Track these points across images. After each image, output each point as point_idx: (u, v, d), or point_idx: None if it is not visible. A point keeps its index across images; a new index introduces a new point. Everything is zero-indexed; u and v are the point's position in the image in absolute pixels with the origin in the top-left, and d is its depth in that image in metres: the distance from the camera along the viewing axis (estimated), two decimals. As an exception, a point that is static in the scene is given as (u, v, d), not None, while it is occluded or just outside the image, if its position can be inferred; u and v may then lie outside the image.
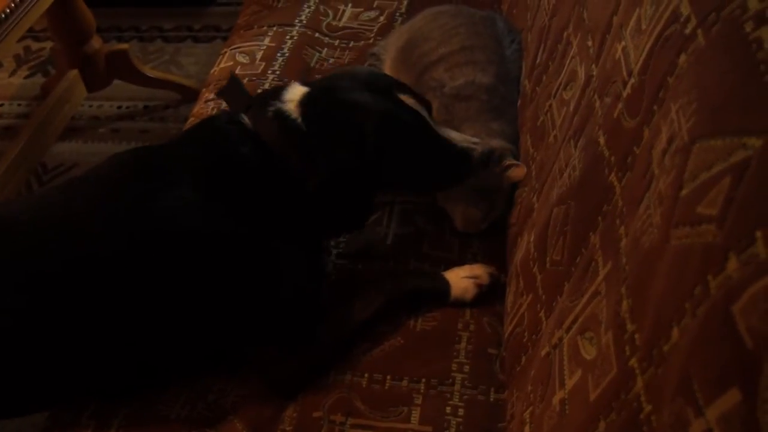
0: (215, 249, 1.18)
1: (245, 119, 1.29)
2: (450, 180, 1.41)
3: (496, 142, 1.45)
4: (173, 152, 1.29)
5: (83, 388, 1.24)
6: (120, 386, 1.25)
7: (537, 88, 1.43)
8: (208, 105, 1.79)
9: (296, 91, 1.31)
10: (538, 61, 1.47)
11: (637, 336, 0.75)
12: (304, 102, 1.29)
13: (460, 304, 1.33)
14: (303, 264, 1.28)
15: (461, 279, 1.34)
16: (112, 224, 1.16)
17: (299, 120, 1.26)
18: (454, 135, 1.37)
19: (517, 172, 1.40)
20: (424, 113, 1.34)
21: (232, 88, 1.41)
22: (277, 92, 1.32)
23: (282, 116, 1.27)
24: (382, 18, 2.06)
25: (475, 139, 1.39)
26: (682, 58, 0.79)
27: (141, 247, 1.15)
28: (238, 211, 1.21)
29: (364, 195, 1.34)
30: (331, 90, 1.32)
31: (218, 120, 1.35)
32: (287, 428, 1.18)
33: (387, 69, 1.76)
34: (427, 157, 1.33)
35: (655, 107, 0.83)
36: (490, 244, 1.45)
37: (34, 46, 3.25)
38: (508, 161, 1.41)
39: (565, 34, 1.30)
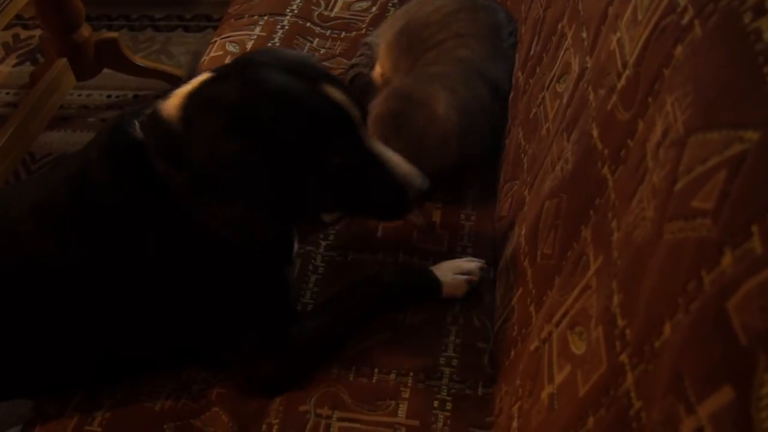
0: (170, 249, 1.15)
1: (136, 129, 1.13)
2: (382, 210, 1.21)
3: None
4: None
5: (60, 376, 1.23)
6: (98, 376, 1.24)
7: (530, 80, 1.42)
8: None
9: (193, 82, 1.13)
10: (531, 52, 1.46)
11: (627, 331, 0.74)
12: (195, 92, 1.10)
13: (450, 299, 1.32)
14: (260, 265, 1.22)
15: (452, 277, 1.32)
16: (72, 225, 1.15)
17: (175, 120, 1.08)
18: (394, 157, 1.15)
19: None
20: (355, 116, 1.10)
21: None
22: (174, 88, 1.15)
23: (156, 121, 1.10)
24: (374, 8, 2.04)
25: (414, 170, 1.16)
26: (679, 49, 0.77)
27: (104, 246, 1.14)
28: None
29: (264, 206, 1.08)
30: (237, 70, 1.11)
31: (113, 136, 1.17)
32: (273, 421, 1.17)
33: (381, 54, 1.74)
34: (350, 170, 1.11)
35: (650, 99, 0.82)
36: (479, 237, 1.44)
37: (23, 34, 3.22)
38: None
39: (559, 26, 1.29)
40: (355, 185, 1.13)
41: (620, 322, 0.76)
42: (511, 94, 1.56)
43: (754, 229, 0.57)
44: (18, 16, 3.04)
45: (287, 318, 1.25)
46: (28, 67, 3.02)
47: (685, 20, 0.77)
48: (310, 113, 1.06)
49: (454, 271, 1.33)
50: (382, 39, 1.77)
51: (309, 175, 1.08)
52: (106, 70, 2.74)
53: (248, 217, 1.07)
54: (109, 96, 2.88)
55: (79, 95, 2.88)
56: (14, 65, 3.06)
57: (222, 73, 1.12)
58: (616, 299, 0.79)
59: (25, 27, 3.24)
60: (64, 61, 2.53)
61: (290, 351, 1.23)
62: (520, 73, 1.53)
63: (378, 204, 1.18)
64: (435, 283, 1.32)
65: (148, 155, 1.10)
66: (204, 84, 1.11)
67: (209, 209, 1.07)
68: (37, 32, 3.13)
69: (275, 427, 1.16)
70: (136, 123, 1.13)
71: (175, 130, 1.07)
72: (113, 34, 2.71)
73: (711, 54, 0.71)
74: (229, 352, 1.23)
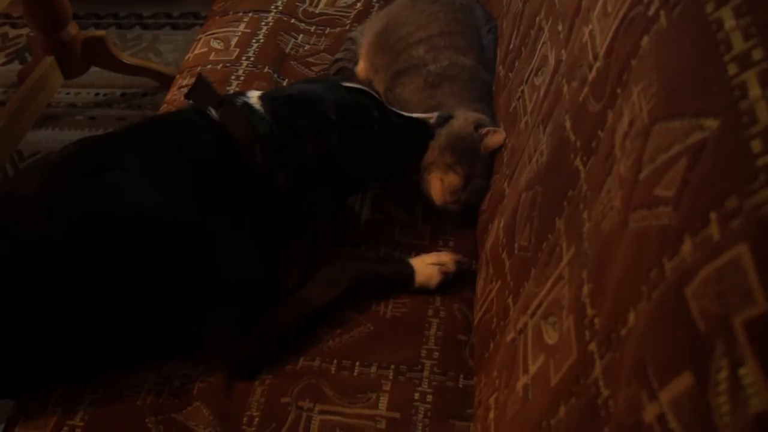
0: (152, 230, 1.17)
1: (212, 111, 1.32)
2: (414, 154, 1.46)
3: (473, 114, 1.45)
4: (124, 138, 1.30)
5: (43, 371, 1.22)
6: (77, 368, 1.23)
7: (510, 74, 1.43)
8: (181, 91, 1.77)
9: (254, 92, 1.38)
10: (511, 46, 1.47)
11: (596, 320, 0.75)
12: (264, 97, 1.35)
13: (426, 290, 1.32)
14: (248, 244, 1.26)
15: (427, 266, 1.33)
16: (54, 209, 1.15)
17: (264, 113, 1.31)
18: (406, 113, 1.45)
19: (495, 139, 1.40)
20: (373, 93, 1.43)
21: (201, 88, 1.40)
22: (240, 93, 1.39)
23: (250, 109, 1.32)
24: (359, 4, 2.04)
25: (428, 115, 1.45)
26: (645, 40, 0.78)
27: (80, 230, 1.14)
28: (182, 192, 1.20)
29: (330, 184, 1.36)
30: (283, 89, 1.49)
31: (182, 111, 1.38)
32: (254, 414, 1.17)
33: (363, 53, 1.75)
34: (386, 132, 1.39)
35: (619, 90, 0.82)
36: (461, 231, 1.45)
37: (12, 33, 3.20)
38: (487, 128, 1.40)
39: (537, 20, 1.29)
40: (388, 140, 1.41)
41: (590, 312, 0.77)
42: (492, 88, 1.57)
43: (712, 216, 0.58)
44: (6, 15, 3.04)
45: (268, 296, 1.27)
46: (16, 66, 3.01)
47: (651, 11, 0.78)
48: (348, 100, 1.37)
49: (429, 261, 1.34)
50: (364, 39, 1.77)
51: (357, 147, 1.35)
52: (93, 68, 2.73)
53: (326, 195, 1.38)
54: (96, 94, 2.87)
55: (67, 93, 2.87)
56: (3, 64, 3.05)
57: (270, 92, 1.42)
58: (586, 289, 0.79)
59: (14, 26, 3.23)
60: (51, 59, 2.52)
61: (266, 329, 1.24)
62: (500, 67, 1.54)
63: (408, 148, 1.45)
64: (408, 269, 1.33)
65: (233, 134, 1.29)
66: (268, 97, 1.36)
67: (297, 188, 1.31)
68: (26, 31, 3.12)
69: (256, 419, 1.16)
70: (212, 109, 1.31)
71: (267, 123, 1.30)
72: (100, 32, 2.69)
73: (675, 44, 0.72)
74: (208, 332, 1.23)
